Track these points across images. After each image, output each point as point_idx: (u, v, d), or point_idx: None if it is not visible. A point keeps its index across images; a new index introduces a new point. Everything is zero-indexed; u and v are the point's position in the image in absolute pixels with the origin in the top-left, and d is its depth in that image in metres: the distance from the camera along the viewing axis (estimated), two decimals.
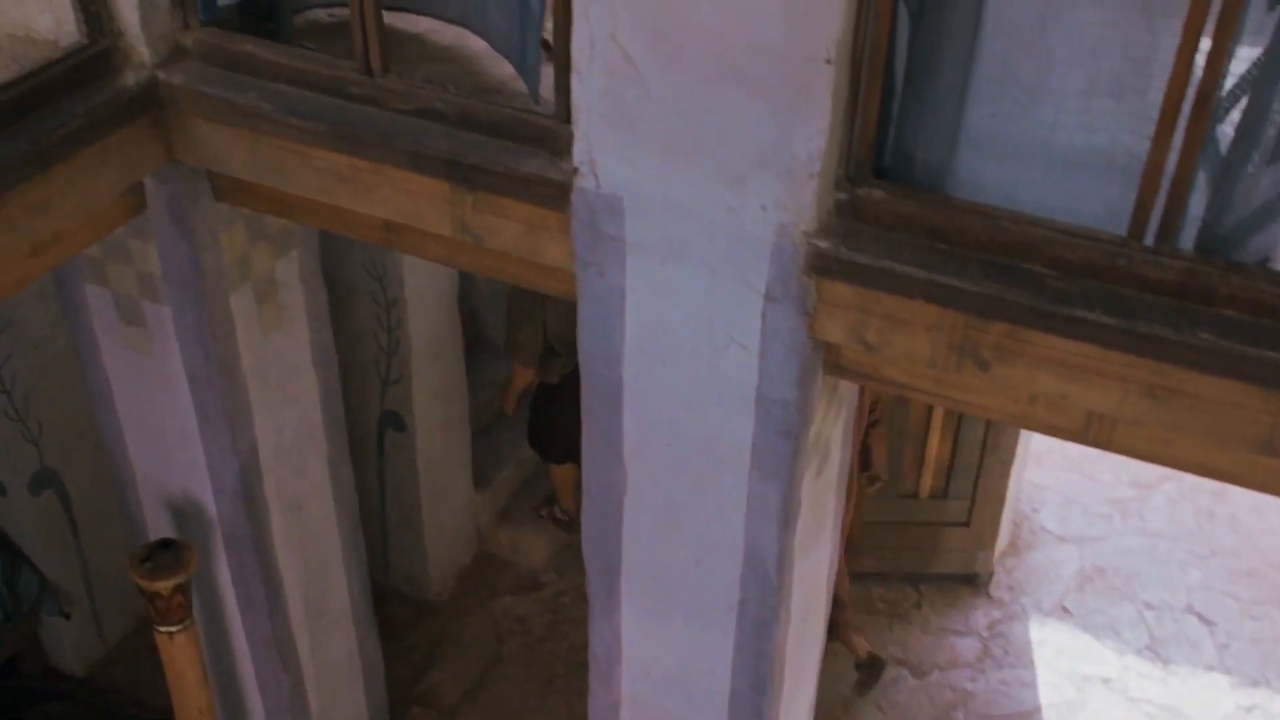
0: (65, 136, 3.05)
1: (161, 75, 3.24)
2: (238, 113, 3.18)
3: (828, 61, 2.43)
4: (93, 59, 3.17)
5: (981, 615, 6.05)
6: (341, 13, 3.29)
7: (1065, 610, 6.09)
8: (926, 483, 5.78)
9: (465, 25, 3.37)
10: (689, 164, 2.69)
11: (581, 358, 3.16)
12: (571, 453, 5.67)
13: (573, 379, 5.43)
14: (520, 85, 3.18)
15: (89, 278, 3.88)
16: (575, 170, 2.85)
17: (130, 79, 3.22)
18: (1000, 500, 5.87)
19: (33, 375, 4.90)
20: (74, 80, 3.14)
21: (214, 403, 3.91)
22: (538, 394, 5.74)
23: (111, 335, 4.00)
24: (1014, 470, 5.84)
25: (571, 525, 6.07)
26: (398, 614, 5.92)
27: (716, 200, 2.70)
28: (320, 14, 3.55)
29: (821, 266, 2.69)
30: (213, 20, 3.28)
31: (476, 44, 3.43)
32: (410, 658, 5.80)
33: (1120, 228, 2.51)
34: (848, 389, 3.24)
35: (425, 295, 5.18)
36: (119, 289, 3.85)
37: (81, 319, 4.03)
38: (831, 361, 2.93)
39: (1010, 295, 2.53)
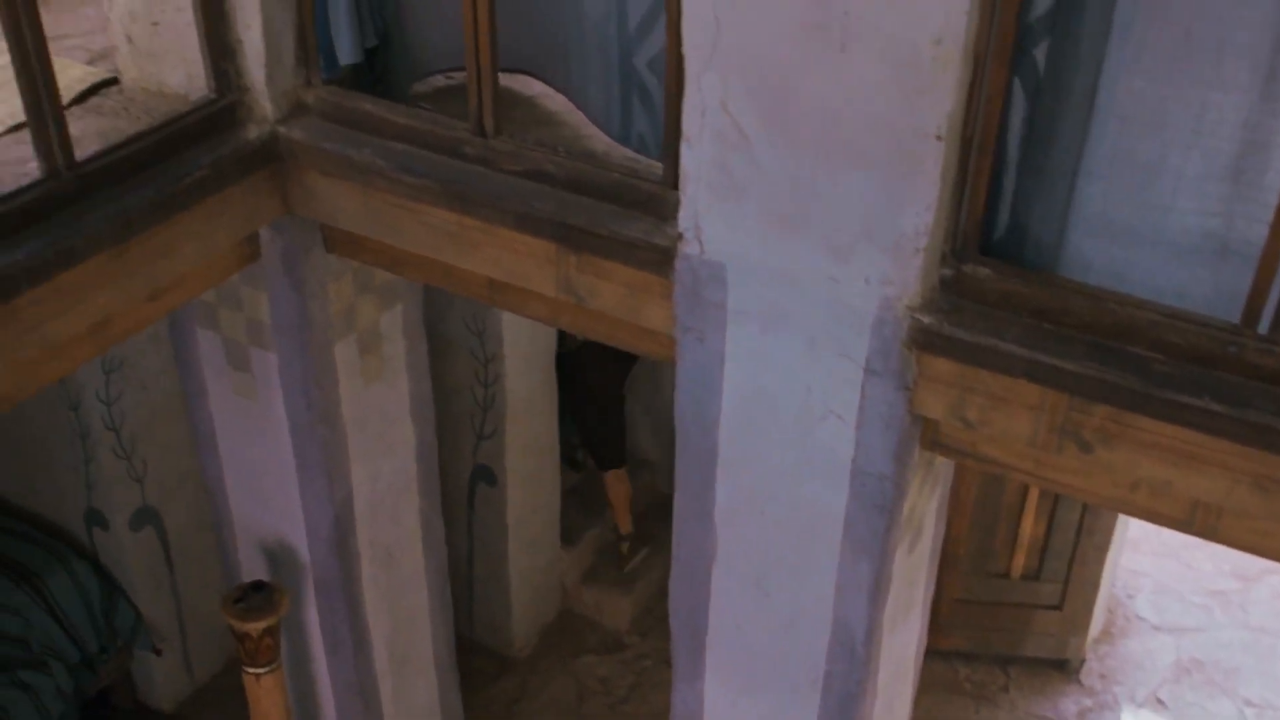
0: (190, 186, 3.16)
1: (282, 130, 3.34)
2: (353, 168, 3.27)
3: (938, 138, 2.44)
4: (219, 113, 3.29)
5: (1072, 703, 5.89)
6: (458, 76, 3.38)
7: (1160, 702, 5.91)
8: (1019, 563, 5.67)
9: (565, 94, 3.43)
10: (794, 234, 2.70)
11: (677, 422, 3.17)
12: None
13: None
14: (628, 150, 3.23)
15: (201, 322, 4.00)
16: (680, 236, 2.88)
17: (253, 133, 3.33)
18: (1095, 585, 5.74)
19: (141, 415, 5.04)
20: (200, 132, 3.25)
21: (313, 450, 3.99)
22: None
23: (219, 379, 4.10)
24: (1110, 555, 5.71)
25: (628, 551, 6.15)
26: (480, 667, 5.93)
27: (820, 271, 2.71)
28: (437, 78, 3.64)
29: (923, 341, 2.68)
30: (333, 79, 3.38)
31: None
32: (490, 711, 5.80)
33: (1233, 314, 2.47)
34: (944, 465, 3.21)
35: (523, 352, 5.24)
36: (229, 335, 3.95)
37: (191, 362, 4.14)
38: (929, 437, 2.91)
39: (1116, 378, 2.50)
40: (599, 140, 3.27)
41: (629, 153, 3.21)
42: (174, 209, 3.15)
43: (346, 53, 3.26)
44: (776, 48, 2.53)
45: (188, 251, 3.26)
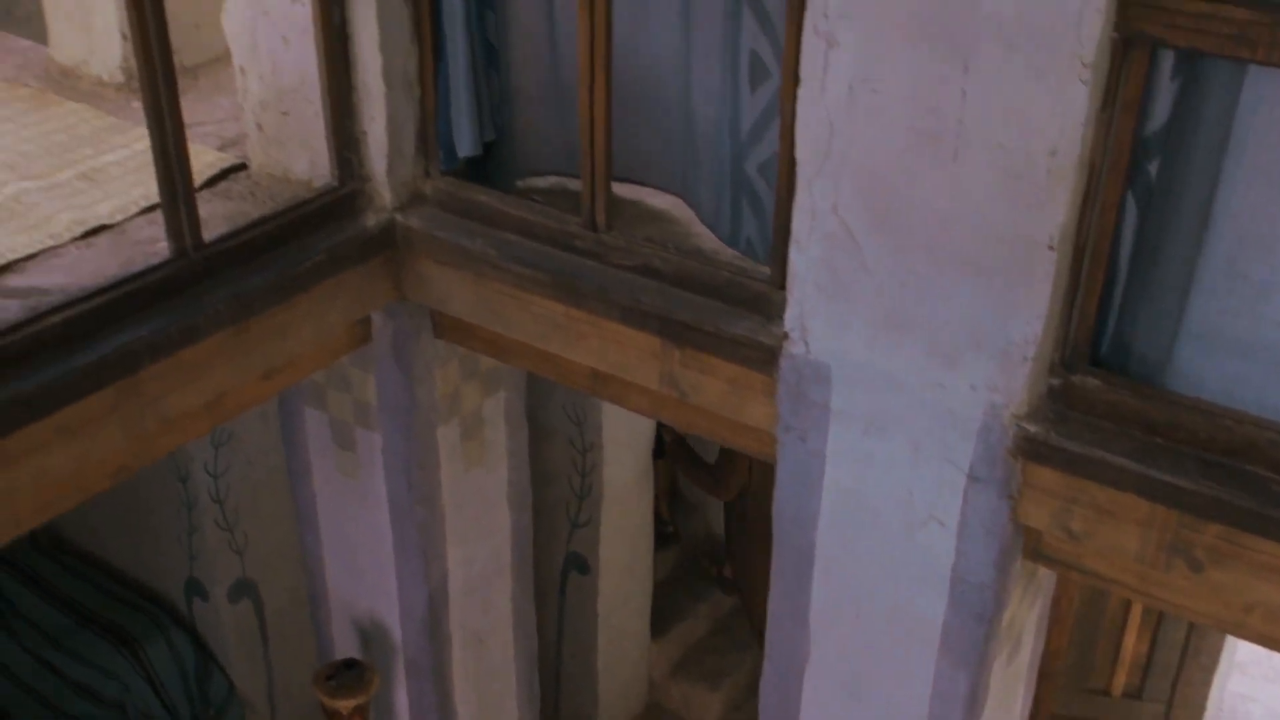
0: (309, 270, 3.26)
1: (400, 218, 3.44)
2: (466, 257, 3.35)
3: (1050, 247, 2.44)
4: (340, 200, 3.40)
5: None
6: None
7: None
8: (1120, 681, 5.50)
9: (681, 196, 3.48)
10: (901, 338, 2.71)
11: (775, 520, 3.17)
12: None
13: None
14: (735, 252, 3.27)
15: (310, 402, 4.09)
16: (785, 335, 2.89)
17: (371, 220, 3.43)
18: (1200, 708, 5.54)
19: (245, 489, 5.14)
20: (321, 218, 3.36)
21: (411, 531, 4.04)
22: None
23: (323, 458, 4.19)
24: (1216, 677, 5.51)
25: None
26: None
27: (926, 375, 2.71)
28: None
29: (1029, 450, 2.65)
30: (451, 170, 3.48)
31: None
32: None
33: None
34: (1046, 576, 3.15)
35: (621, 443, 5.26)
36: (336, 414, 4.04)
37: (298, 440, 4.23)
38: (1032, 547, 2.86)
39: (1230, 496, 2.44)
40: (706, 238, 3.32)
41: (735, 253, 3.24)
42: (292, 291, 3.24)
43: (465, 146, 3.36)
44: (889, 154, 2.55)
45: (303, 333, 3.35)
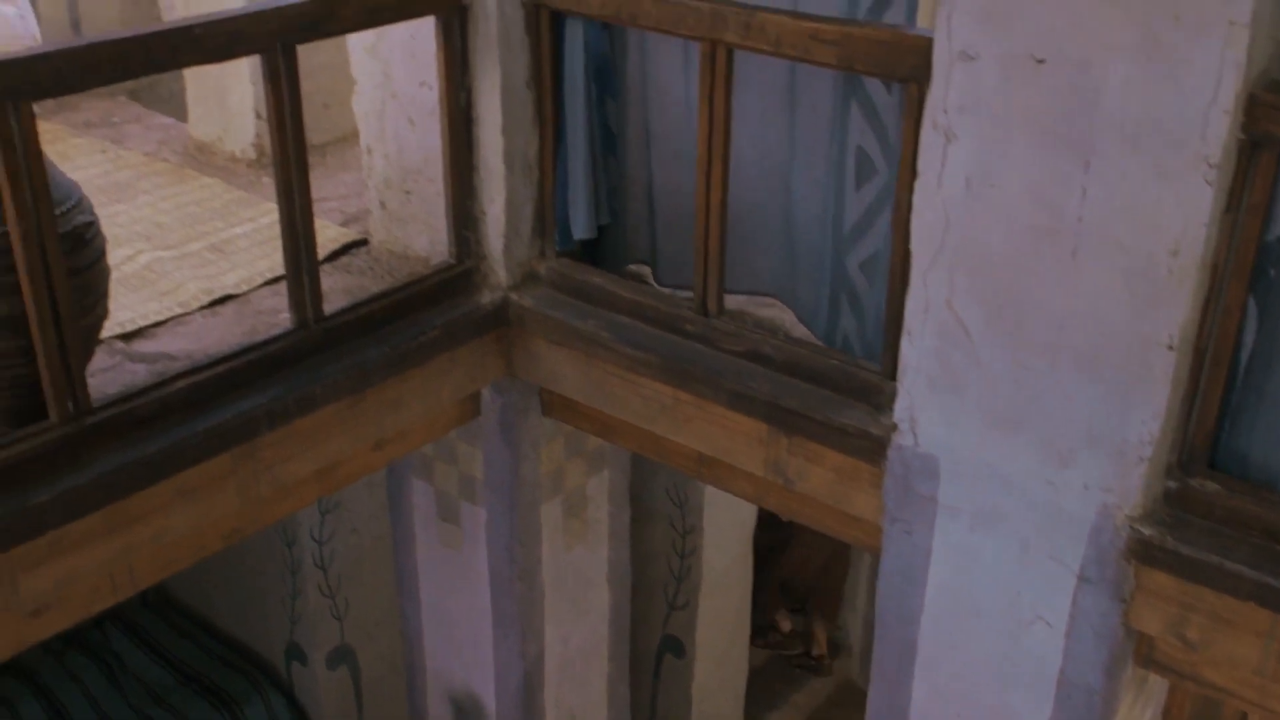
0: (423, 344, 3.33)
1: (514, 297, 3.51)
2: (577, 337, 3.40)
3: (1170, 348, 2.40)
4: (457, 277, 3.48)
5: None
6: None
7: None
8: None
9: (775, 295, 3.49)
10: (1013, 434, 2.67)
11: (878, 613, 3.12)
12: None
13: None
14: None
15: (417, 473, 4.16)
16: (894, 427, 2.88)
17: (486, 298, 3.50)
18: None
19: (349, 556, 5.21)
20: (438, 295, 3.44)
21: (510, 606, 4.06)
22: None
23: (427, 529, 4.24)
24: None
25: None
26: None
27: (1038, 473, 2.67)
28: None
29: (1143, 553, 2.59)
30: (566, 251, 3.55)
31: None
32: None
33: None
34: (1158, 684, 3.06)
35: (723, 527, 5.25)
36: (442, 487, 4.10)
37: (403, 510, 4.29)
38: (1144, 653, 2.78)
39: None
40: (801, 333, 3.32)
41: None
42: (407, 365, 3.32)
43: (581, 228, 3.42)
44: (1005, 249, 2.55)
45: (415, 406, 3.42)
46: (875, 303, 3.10)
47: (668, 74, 3.24)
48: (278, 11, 2.82)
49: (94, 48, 2.58)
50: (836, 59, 2.75)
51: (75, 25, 4.94)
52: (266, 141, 4.23)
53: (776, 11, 2.83)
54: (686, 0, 2.92)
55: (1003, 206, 2.52)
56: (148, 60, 2.68)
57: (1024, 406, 2.64)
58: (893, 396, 2.88)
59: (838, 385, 3.05)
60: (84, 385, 2.77)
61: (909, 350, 2.79)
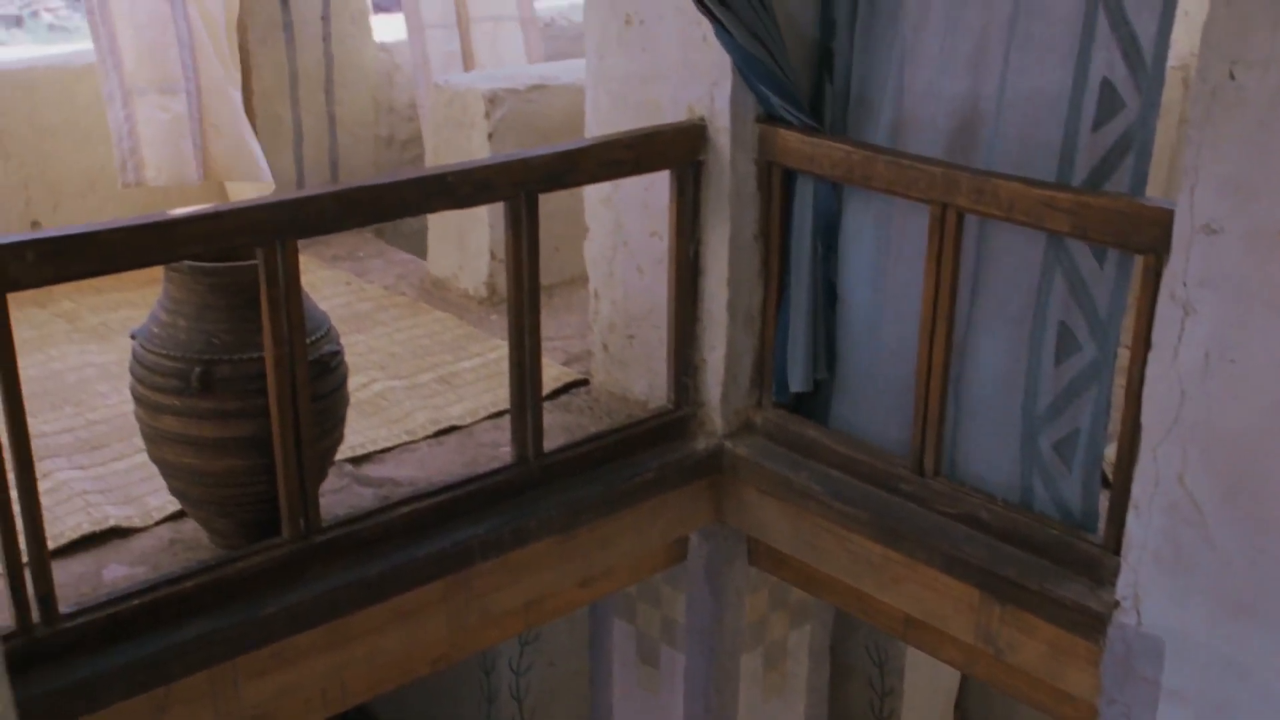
0: (637, 486, 3.38)
1: (728, 445, 3.54)
2: (789, 489, 3.40)
3: None
4: (674, 423, 3.54)
5: None
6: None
7: None
8: None
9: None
10: (1248, 620, 2.54)
11: None
12: None
13: None
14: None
15: (619, 613, 4.18)
16: (1116, 603, 2.77)
17: (701, 444, 3.54)
18: None
19: (545, 689, 5.25)
20: (654, 438, 3.50)
21: None
22: None
23: (625, 669, 4.24)
24: None
25: None
26: None
27: (1274, 664, 2.52)
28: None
29: None
30: (782, 403, 3.57)
31: None
32: None
33: None
34: None
35: (923, 691, 5.08)
36: (643, 629, 4.11)
37: (603, 649, 4.31)
38: None
39: None
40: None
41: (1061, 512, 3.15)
42: (620, 505, 3.37)
43: (798, 382, 3.44)
44: (1244, 426, 2.45)
45: (623, 546, 3.46)
46: (1069, 483, 3.02)
47: (895, 233, 3.26)
48: (524, 163, 2.98)
49: (355, 192, 2.77)
50: (1070, 227, 2.74)
51: (333, 165, 5.30)
52: (498, 281, 4.45)
53: (1009, 177, 2.84)
54: (919, 164, 2.96)
55: (1243, 383, 2.44)
56: (402, 204, 2.87)
57: (1261, 593, 2.50)
58: (1115, 571, 2.77)
59: (1056, 556, 2.96)
60: (316, 505, 2.92)
61: (1135, 525, 2.69)
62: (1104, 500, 2.94)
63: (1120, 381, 2.81)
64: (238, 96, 4.65)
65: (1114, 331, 2.89)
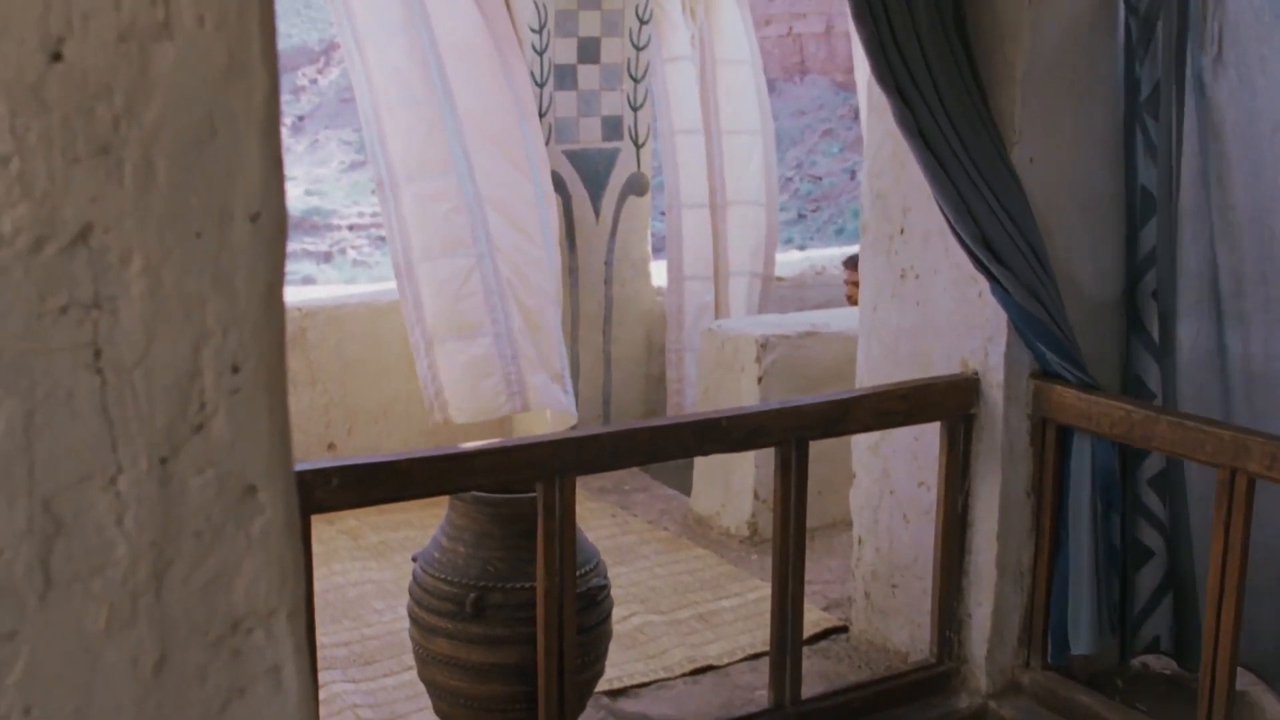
0: None
1: (993, 705, 3.39)
2: None
3: None
4: (935, 677, 3.42)
5: None
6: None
7: None
8: None
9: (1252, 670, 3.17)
10: None
11: None
12: None
13: None
14: None
15: None
16: None
17: (964, 702, 3.41)
18: None
19: None
20: (914, 692, 3.39)
21: None
22: None
23: None
24: None
25: None
26: None
27: None
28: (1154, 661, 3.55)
29: None
30: (1056, 665, 3.41)
31: None
32: None
33: None
34: None
35: None
36: None
37: None
38: None
39: None
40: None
41: None
42: None
43: (1082, 644, 3.28)
44: None
45: None
46: None
47: (1174, 495, 3.15)
48: (797, 410, 3.05)
49: (635, 433, 2.89)
50: None
51: (606, 401, 5.52)
52: (761, 520, 4.48)
53: None
54: (1205, 425, 2.87)
55: None
56: (678, 446, 2.96)
57: None
58: None
59: None
60: None
61: None
62: None
63: None
64: (555, 334, 4.94)
65: None
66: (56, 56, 0.90)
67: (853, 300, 5.37)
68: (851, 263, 5.53)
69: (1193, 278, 3.28)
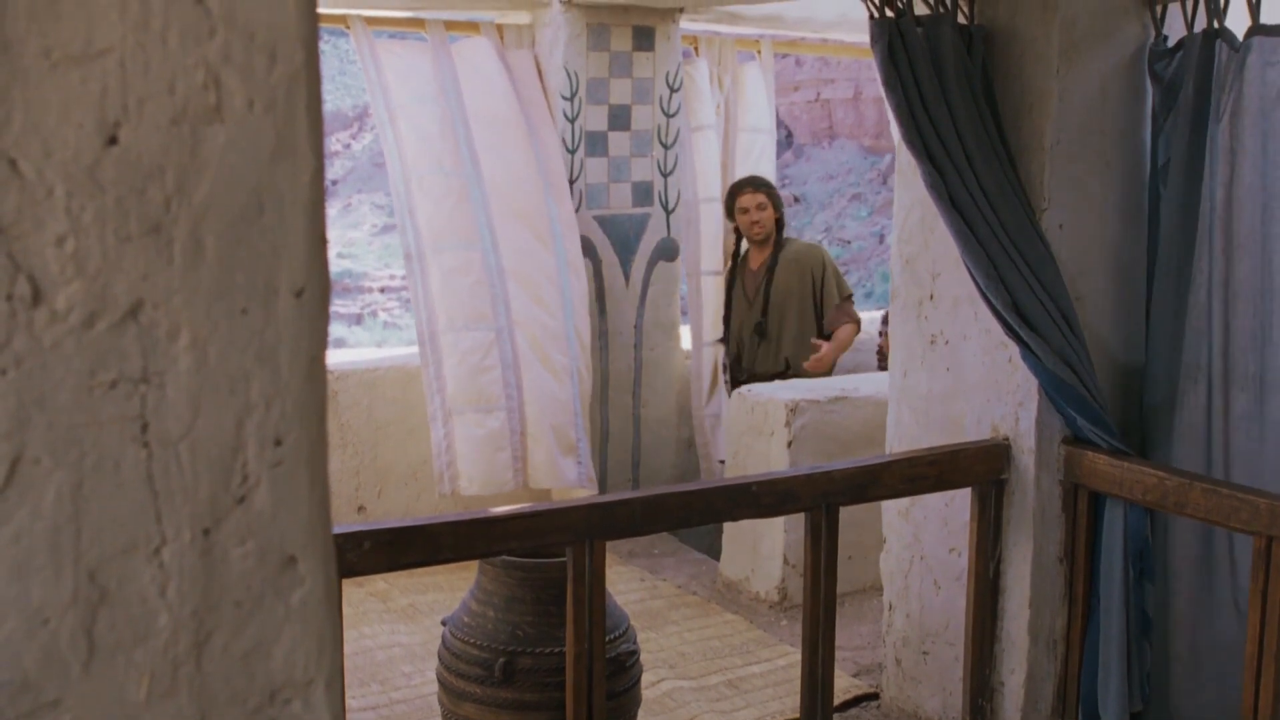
0: None
1: None
2: None
3: None
4: None
5: None
6: None
7: None
8: None
9: None
10: None
11: None
12: None
13: None
14: None
15: None
16: None
17: None
18: None
19: None
20: None
21: None
22: None
23: None
24: None
25: None
26: None
27: None
28: None
29: None
30: None
31: None
32: None
33: None
34: None
35: None
36: None
37: None
38: None
39: None
40: None
41: None
42: None
43: (1112, 714, 3.24)
44: None
45: None
46: None
47: (1209, 565, 3.12)
48: (828, 476, 3.05)
49: (665, 498, 2.90)
50: None
51: (635, 465, 5.52)
52: (790, 586, 4.46)
53: None
54: (1239, 493, 2.85)
55: None
56: (707, 510, 2.97)
57: None
58: None
59: None
60: None
61: None
62: None
63: None
64: (570, 405, 4.97)
65: None
66: (112, 140, 0.93)
67: (883, 357, 5.39)
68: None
69: (1202, 341, 3.23)
